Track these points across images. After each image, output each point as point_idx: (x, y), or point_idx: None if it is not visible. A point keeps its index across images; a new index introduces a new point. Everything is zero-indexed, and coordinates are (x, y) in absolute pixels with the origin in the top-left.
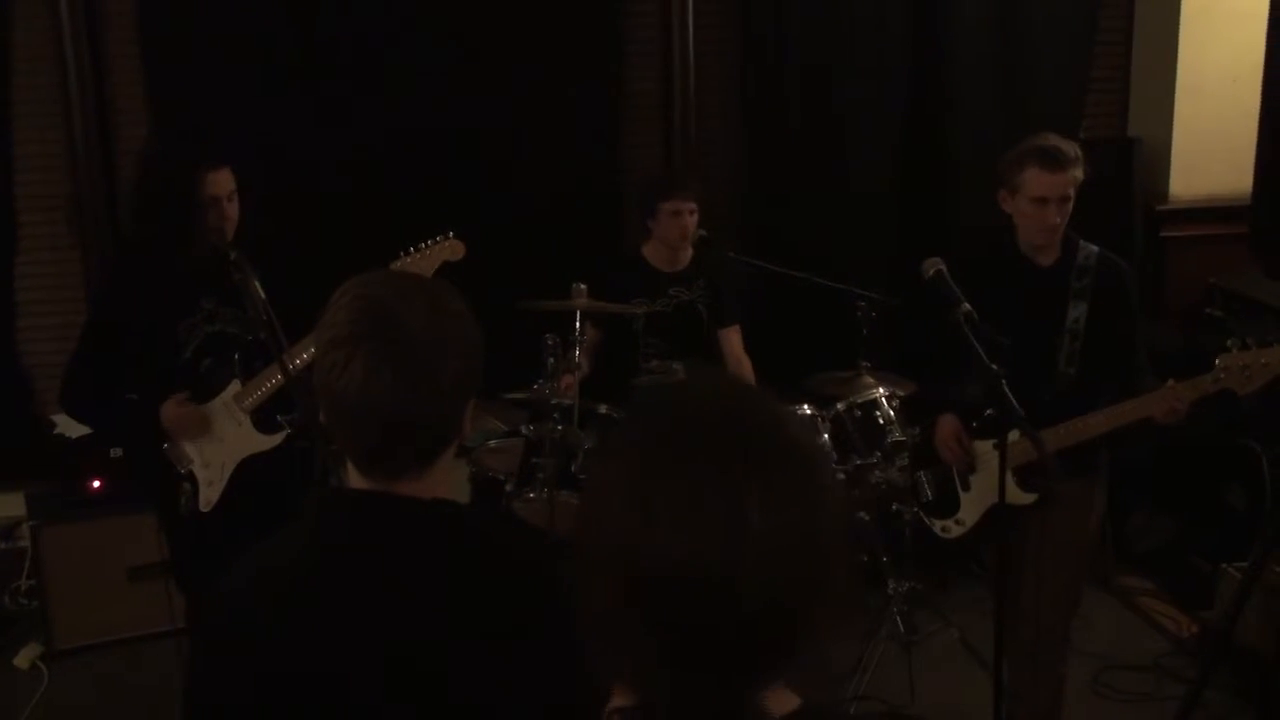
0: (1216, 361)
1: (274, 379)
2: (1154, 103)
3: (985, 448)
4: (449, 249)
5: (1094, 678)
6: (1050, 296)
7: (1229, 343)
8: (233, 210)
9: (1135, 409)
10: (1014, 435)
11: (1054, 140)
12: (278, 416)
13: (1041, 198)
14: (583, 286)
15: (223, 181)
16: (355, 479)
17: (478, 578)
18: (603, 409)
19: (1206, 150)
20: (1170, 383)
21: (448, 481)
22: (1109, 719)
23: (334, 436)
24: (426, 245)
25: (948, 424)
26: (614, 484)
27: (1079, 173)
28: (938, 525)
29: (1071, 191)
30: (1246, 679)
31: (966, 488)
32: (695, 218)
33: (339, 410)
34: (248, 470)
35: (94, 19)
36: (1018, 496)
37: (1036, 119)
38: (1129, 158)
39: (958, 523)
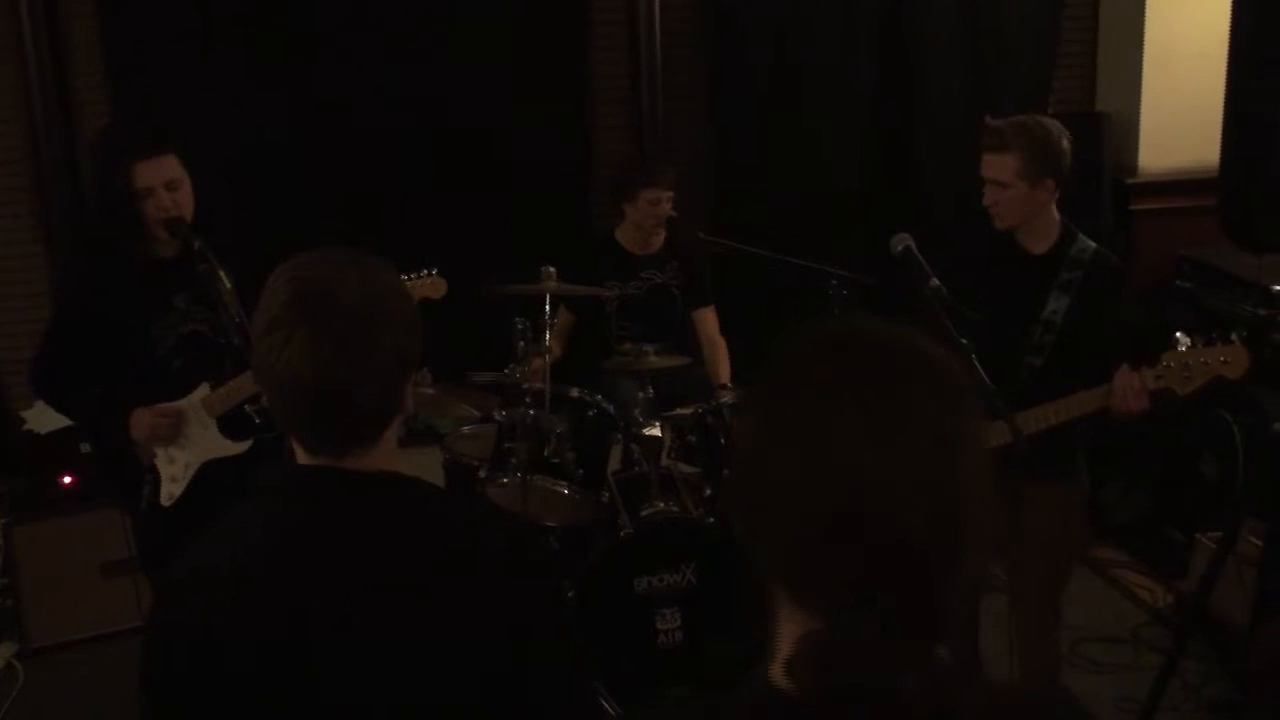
0: (1160, 358)
1: (243, 387)
2: (1122, 77)
3: None
4: (430, 285)
5: (1070, 649)
6: (1034, 284)
7: (1177, 336)
8: (179, 199)
9: (1088, 399)
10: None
11: (1005, 121)
12: (245, 407)
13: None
14: (552, 269)
15: (155, 170)
16: (303, 458)
17: (426, 546)
18: (574, 392)
19: (1175, 124)
20: (1124, 367)
21: (395, 459)
22: (1086, 689)
23: (277, 418)
24: (409, 279)
25: None
26: (789, 421)
27: (1011, 159)
28: None
29: (1004, 177)
30: (1222, 648)
31: None
32: (671, 204)
33: (279, 389)
34: (212, 469)
35: (53, 9)
36: None
37: (1004, 93)
38: (1098, 132)
39: None
